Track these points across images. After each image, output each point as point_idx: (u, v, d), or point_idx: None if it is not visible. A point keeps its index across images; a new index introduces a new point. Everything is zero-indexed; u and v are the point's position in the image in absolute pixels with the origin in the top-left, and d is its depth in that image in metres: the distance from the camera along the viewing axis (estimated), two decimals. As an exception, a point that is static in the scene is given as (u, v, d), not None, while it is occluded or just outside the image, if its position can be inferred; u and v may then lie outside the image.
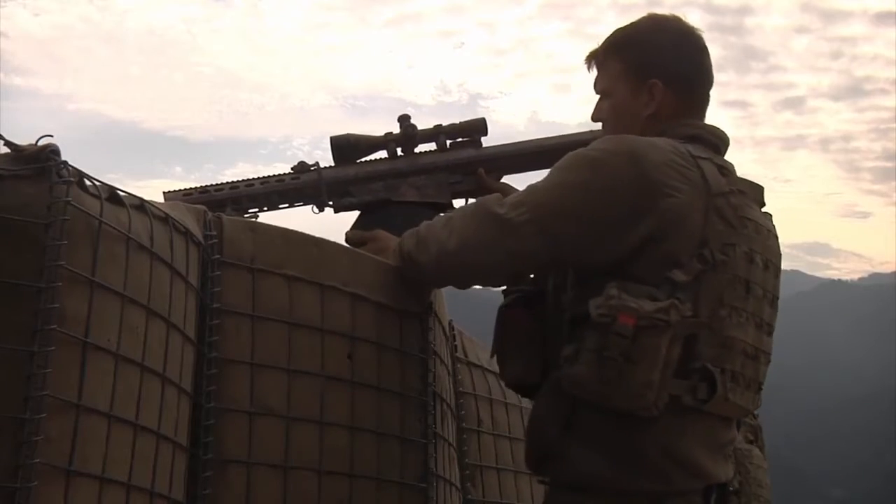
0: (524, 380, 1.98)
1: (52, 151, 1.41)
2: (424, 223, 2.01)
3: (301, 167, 2.35)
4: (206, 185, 2.31)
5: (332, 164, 2.37)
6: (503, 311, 2.03)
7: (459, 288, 2.03)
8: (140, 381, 1.52)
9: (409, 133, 2.37)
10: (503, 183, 2.38)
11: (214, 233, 1.82)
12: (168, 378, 1.60)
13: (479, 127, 2.41)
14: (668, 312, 1.68)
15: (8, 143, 1.39)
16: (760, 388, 1.90)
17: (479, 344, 2.90)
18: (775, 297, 1.91)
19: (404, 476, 2.05)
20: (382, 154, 2.40)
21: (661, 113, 1.95)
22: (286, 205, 2.35)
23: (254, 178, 2.34)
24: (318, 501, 1.86)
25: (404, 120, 2.37)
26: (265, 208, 2.32)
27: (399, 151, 2.38)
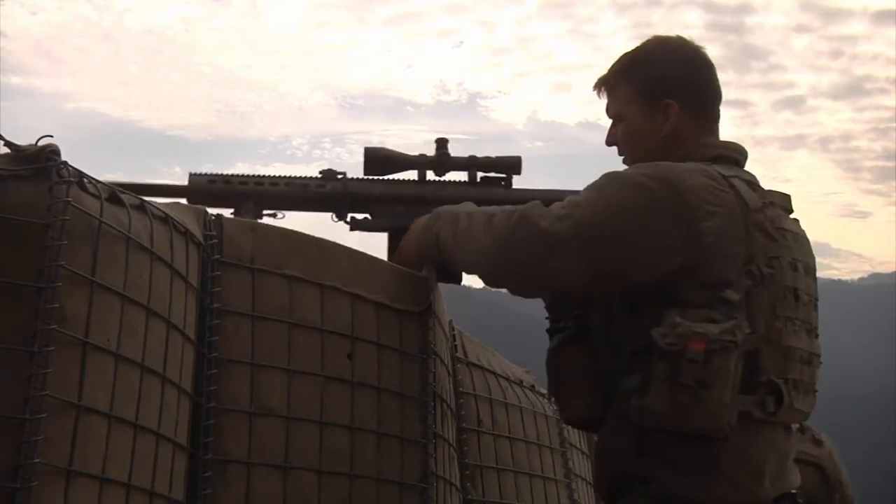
0: (588, 416, 1.96)
1: (52, 151, 1.41)
2: (464, 212, 1.97)
3: (328, 174, 2.31)
4: (231, 175, 2.27)
5: (361, 174, 2.32)
6: (555, 351, 2.00)
7: (491, 286, 2.01)
8: (140, 381, 1.52)
9: (442, 158, 2.32)
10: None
11: (214, 233, 1.82)
12: (168, 378, 1.60)
13: (514, 165, 2.35)
14: (734, 332, 1.72)
15: (8, 144, 1.39)
16: (816, 391, 1.95)
17: (479, 344, 2.90)
18: (817, 300, 1.96)
19: (404, 476, 2.05)
20: (413, 174, 2.35)
21: (677, 133, 1.97)
22: (307, 210, 2.32)
23: (279, 177, 2.30)
24: (318, 501, 1.86)
25: (441, 144, 2.33)
26: (285, 210, 2.29)
27: (430, 174, 2.34)
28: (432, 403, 2.15)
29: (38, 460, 1.31)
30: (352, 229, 2.32)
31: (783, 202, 1.94)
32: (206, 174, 2.27)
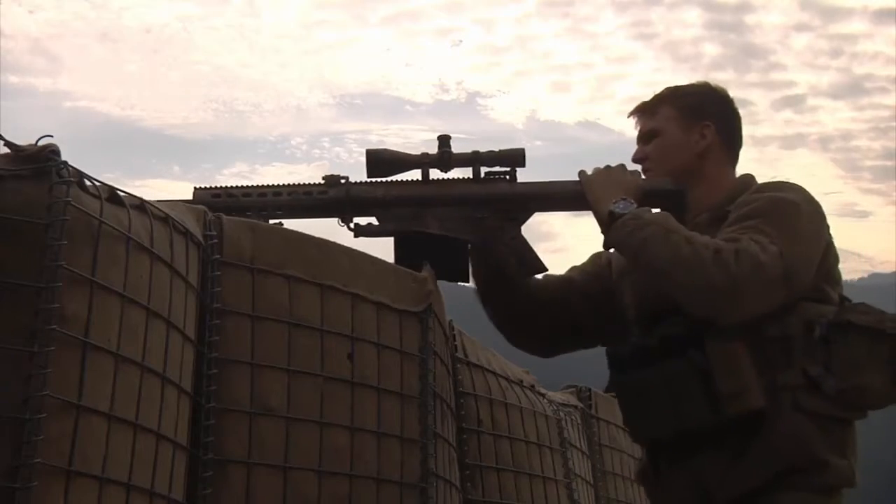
0: (760, 405, 1.96)
1: (52, 151, 1.41)
2: (684, 239, 1.95)
3: (331, 180, 2.30)
4: (234, 188, 2.26)
5: (365, 176, 2.30)
6: (726, 348, 1.98)
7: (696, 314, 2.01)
8: (140, 381, 1.52)
9: (445, 155, 2.30)
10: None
11: (214, 233, 1.82)
12: (168, 378, 1.60)
13: (517, 157, 2.32)
14: None
15: (8, 144, 1.39)
16: None
17: (479, 344, 2.90)
18: None
19: (404, 476, 2.05)
20: (416, 173, 2.33)
21: (708, 155, 2.13)
22: (312, 217, 2.30)
23: (282, 186, 2.29)
24: (318, 501, 1.86)
25: (443, 142, 2.31)
26: (290, 218, 2.26)
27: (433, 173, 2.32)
28: (432, 403, 2.15)
29: (38, 460, 1.31)
30: (356, 235, 2.29)
31: None
32: (209, 188, 2.26)
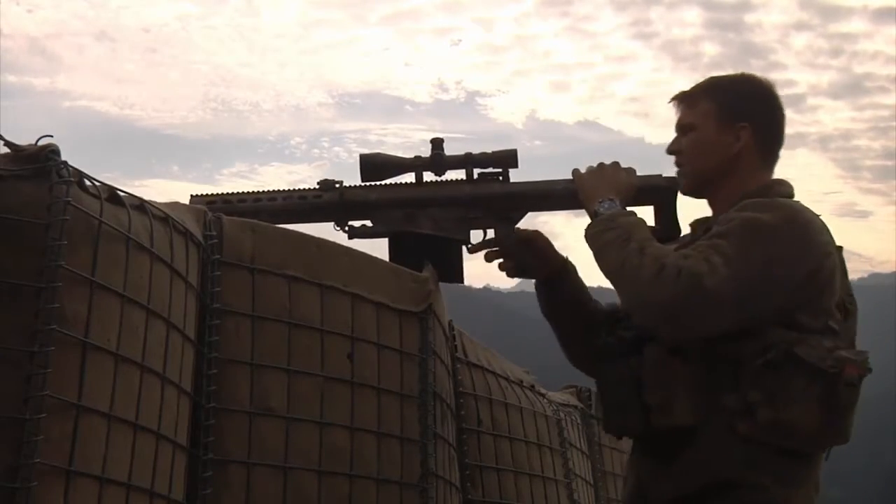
0: (686, 425, 1.94)
1: (51, 151, 1.41)
2: (638, 249, 1.93)
3: (325, 185, 2.32)
4: (230, 194, 2.29)
5: (359, 180, 2.32)
6: (662, 360, 1.97)
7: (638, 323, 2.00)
8: (140, 381, 1.52)
9: (438, 158, 2.32)
10: (536, 231, 2.34)
11: (214, 233, 1.82)
12: (168, 378, 1.60)
13: (509, 158, 2.35)
14: (868, 360, 1.86)
15: (8, 144, 1.39)
16: None
17: (479, 344, 2.90)
18: None
19: (404, 476, 2.05)
20: (410, 177, 2.34)
21: (741, 158, 2.06)
22: (307, 221, 2.31)
23: (277, 192, 2.31)
24: (317, 501, 1.86)
25: (436, 144, 2.33)
26: (286, 223, 2.30)
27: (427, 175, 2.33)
28: (432, 403, 2.15)
29: (38, 460, 1.31)
30: (350, 237, 2.31)
31: None
32: (205, 195, 2.29)
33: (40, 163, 1.40)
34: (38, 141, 1.42)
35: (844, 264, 1.99)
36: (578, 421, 3.56)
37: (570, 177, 2.24)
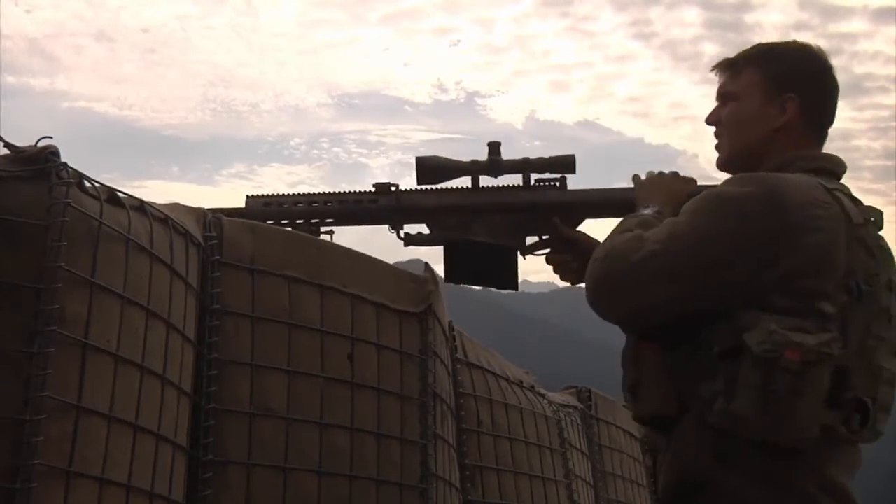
0: (661, 413, 1.88)
1: (51, 153, 1.41)
2: (630, 237, 1.86)
3: (381, 188, 2.29)
4: (285, 196, 2.26)
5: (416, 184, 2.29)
6: (634, 345, 1.91)
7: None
8: (140, 382, 1.52)
9: (495, 162, 2.29)
10: (580, 232, 2.31)
11: (214, 234, 1.82)
12: (168, 379, 1.60)
13: (568, 164, 2.30)
14: (831, 345, 1.68)
15: (7, 145, 1.39)
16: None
17: (479, 344, 2.90)
18: None
19: (404, 477, 2.05)
20: (466, 180, 2.31)
21: (786, 131, 1.92)
22: (362, 225, 2.29)
23: (332, 195, 2.28)
24: (318, 502, 1.86)
25: (493, 148, 2.30)
26: (340, 226, 2.26)
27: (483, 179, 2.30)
28: (432, 404, 2.15)
29: (38, 461, 1.31)
30: (406, 244, 2.27)
31: (878, 219, 1.91)
32: (262, 196, 2.25)
33: (40, 164, 1.40)
34: (37, 142, 1.42)
35: (872, 239, 1.82)
36: (578, 421, 3.56)
37: (625, 184, 2.22)
